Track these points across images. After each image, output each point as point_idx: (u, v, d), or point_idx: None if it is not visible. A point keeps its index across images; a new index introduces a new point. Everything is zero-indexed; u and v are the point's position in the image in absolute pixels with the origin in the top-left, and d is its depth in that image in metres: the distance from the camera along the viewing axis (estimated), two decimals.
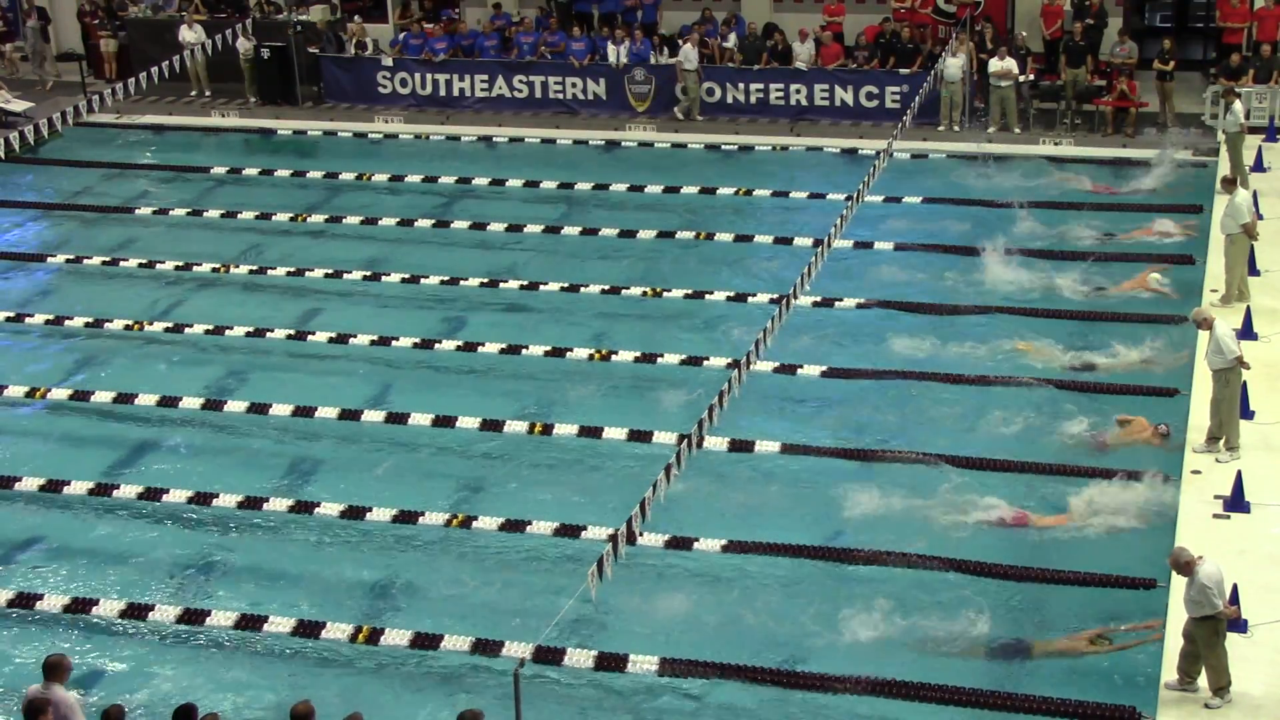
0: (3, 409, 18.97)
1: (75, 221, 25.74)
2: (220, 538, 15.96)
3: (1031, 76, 27.66)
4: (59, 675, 11.41)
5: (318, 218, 25.21)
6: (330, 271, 22.64)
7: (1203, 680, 12.26)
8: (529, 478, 16.91)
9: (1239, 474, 14.97)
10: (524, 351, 19.75)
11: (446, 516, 15.91)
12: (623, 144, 28.57)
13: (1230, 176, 21.00)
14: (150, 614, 14.42)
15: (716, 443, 16.62)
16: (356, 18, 31.94)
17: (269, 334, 20.60)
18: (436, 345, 20.07)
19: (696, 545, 15.20)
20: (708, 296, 21.24)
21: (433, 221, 24.73)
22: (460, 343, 20.10)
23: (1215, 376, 15.90)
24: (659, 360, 19.25)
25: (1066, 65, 27.35)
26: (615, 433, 17.48)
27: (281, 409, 18.28)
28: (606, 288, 21.68)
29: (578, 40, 29.97)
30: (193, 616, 14.40)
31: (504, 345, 19.87)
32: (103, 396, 18.83)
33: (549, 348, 19.78)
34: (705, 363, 19.00)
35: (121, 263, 23.39)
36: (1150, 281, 20.72)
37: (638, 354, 19.44)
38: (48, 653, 12.14)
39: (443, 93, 30.34)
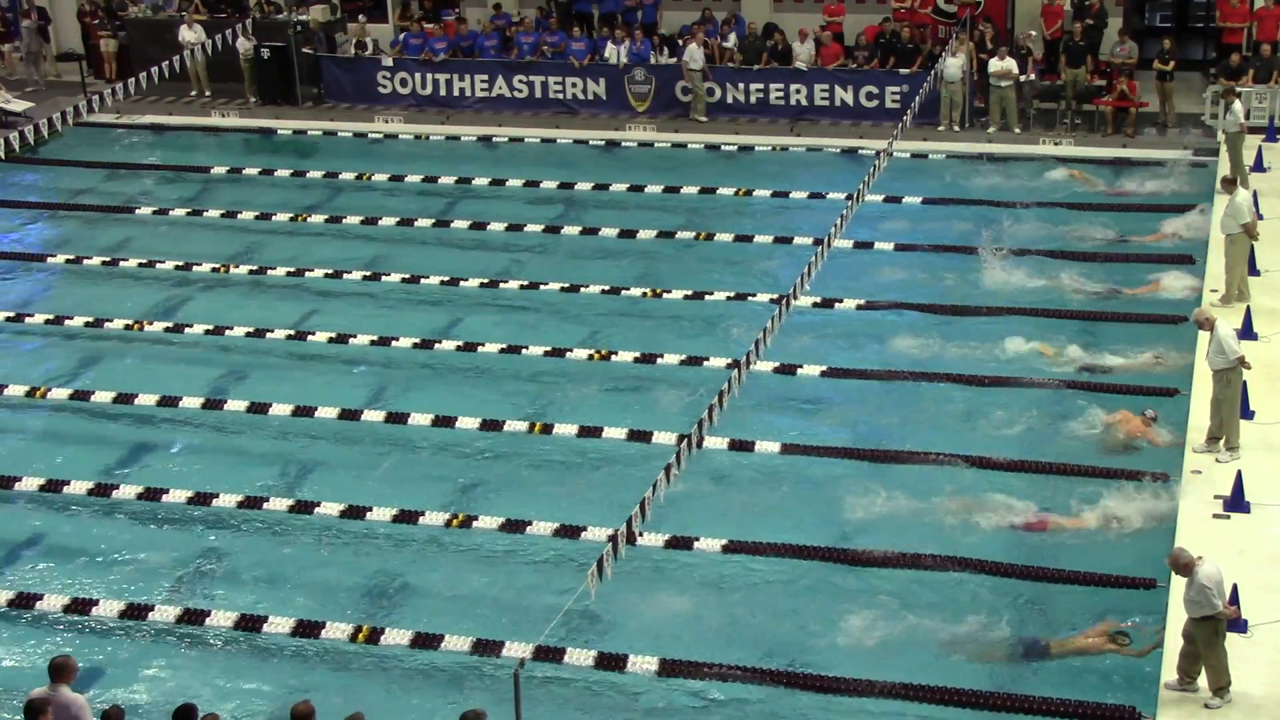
0: (3, 409, 18.96)
1: (75, 221, 25.74)
2: (220, 538, 15.96)
3: (1033, 76, 27.64)
4: (65, 676, 11.36)
5: (318, 218, 25.19)
6: (330, 271, 22.63)
7: (1203, 680, 12.25)
8: (529, 478, 16.91)
9: (1239, 474, 14.95)
10: (524, 351, 19.73)
11: (446, 516, 15.91)
12: (622, 144, 28.53)
13: (1230, 176, 20.99)
14: (150, 614, 14.42)
15: (716, 443, 16.62)
16: (361, 17, 31.94)
17: (269, 334, 20.59)
18: (436, 345, 20.07)
19: (697, 545, 15.20)
20: (707, 296, 21.23)
21: (433, 221, 24.72)
22: (460, 343, 20.08)
23: (1216, 377, 15.88)
24: (659, 360, 19.24)
25: (1066, 65, 27.33)
26: (615, 433, 17.47)
27: (281, 409, 18.27)
28: (606, 288, 21.66)
29: (578, 40, 29.96)
30: (193, 616, 14.39)
31: (504, 345, 19.86)
32: (103, 396, 18.81)
33: (549, 348, 19.77)
34: (705, 363, 18.99)
35: (122, 263, 23.38)
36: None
37: (637, 354, 19.43)
38: (48, 653, 12.14)
39: (443, 93, 30.32)
